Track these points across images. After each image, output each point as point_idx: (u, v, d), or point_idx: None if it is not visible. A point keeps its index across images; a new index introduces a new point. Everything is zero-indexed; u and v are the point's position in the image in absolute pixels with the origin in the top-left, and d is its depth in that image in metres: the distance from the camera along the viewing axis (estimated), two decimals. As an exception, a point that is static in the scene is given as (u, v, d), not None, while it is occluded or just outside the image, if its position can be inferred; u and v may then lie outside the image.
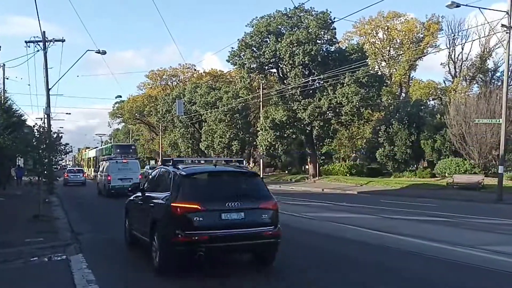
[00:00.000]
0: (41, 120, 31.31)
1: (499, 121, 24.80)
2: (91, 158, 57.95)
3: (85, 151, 77.54)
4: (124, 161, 25.97)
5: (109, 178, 23.93)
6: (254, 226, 7.36)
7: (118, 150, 43.93)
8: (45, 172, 14.93)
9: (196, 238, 6.94)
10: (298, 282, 7.14)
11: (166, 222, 7.31)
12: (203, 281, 7.08)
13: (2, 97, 29.88)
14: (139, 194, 9.34)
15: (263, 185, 8.07)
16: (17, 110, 31.29)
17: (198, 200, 7.11)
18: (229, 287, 6.97)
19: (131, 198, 10.19)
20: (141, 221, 8.77)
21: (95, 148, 62.79)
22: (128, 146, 50.02)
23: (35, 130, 15.63)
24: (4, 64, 33.62)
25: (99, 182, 26.51)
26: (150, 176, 9.92)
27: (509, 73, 25.78)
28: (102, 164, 27.75)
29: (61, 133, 16.61)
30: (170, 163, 8.44)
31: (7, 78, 34.95)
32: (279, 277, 7.49)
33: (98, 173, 28.18)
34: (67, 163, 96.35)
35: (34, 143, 14.33)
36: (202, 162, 10.66)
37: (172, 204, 7.19)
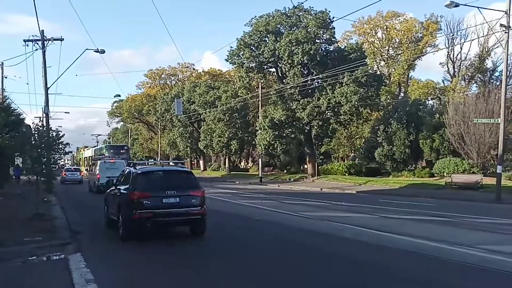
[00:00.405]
0: (40, 119, 31.27)
1: (498, 120, 24.82)
2: (88, 158, 58.87)
3: (83, 150, 78.19)
4: (111, 161, 28.63)
5: (98, 176, 26.37)
6: (186, 207, 10.56)
7: (112, 151, 46.07)
8: (44, 171, 14.91)
9: (146, 215, 10.22)
10: (292, 279, 7.15)
11: (127, 205, 10.65)
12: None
13: (1, 96, 29.86)
14: (113, 187, 12.56)
15: (194, 179, 11.51)
16: (16, 109, 31.23)
17: (147, 190, 10.52)
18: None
19: (108, 191, 13.36)
20: (113, 206, 12.12)
21: (93, 147, 64.36)
22: (121, 147, 51.90)
23: (33, 129, 15.58)
24: (2, 63, 33.63)
25: (90, 180, 28.95)
26: (120, 174, 13.06)
27: (508, 72, 25.85)
28: (93, 164, 30.55)
29: (60, 131, 16.51)
30: (131, 165, 12.28)
31: (6, 77, 34.94)
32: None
33: (89, 171, 30.99)
34: (66, 162, 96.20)
35: (33, 142, 14.27)
36: (157, 163, 15.52)
37: (130, 192, 10.59)
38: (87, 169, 45.36)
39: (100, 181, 25.36)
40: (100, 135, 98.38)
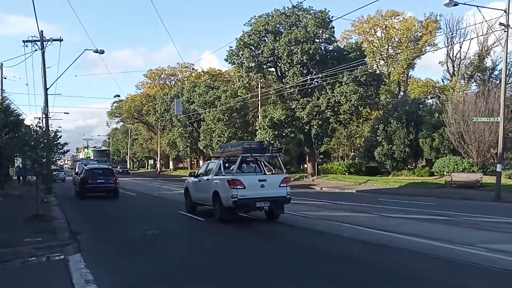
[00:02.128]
0: (39, 119, 31.23)
1: (497, 119, 24.81)
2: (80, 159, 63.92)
3: (83, 150, 79.72)
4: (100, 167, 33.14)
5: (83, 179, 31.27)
6: (107, 184, 24.22)
7: (96, 154, 57.19)
8: (44, 171, 14.88)
9: (88, 187, 23.79)
10: (288, 279, 7.13)
11: (80, 184, 24.73)
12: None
13: (0, 97, 29.82)
14: (76, 176, 28.03)
15: (112, 172, 26.49)
16: (15, 110, 31.17)
17: (90, 177, 24.10)
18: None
19: (75, 176, 28.90)
20: (77, 184, 26.40)
21: (91, 149, 69.64)
22: (103, 151, 64.68)
23: (32, 130, 15.55)
24: (1, 64, 33.59)
25: (73, 178, 33.38)
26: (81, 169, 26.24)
27: (507, 71, 25.80)
28: (73, 165, 41.38)
29: (59, 131, 16.47)
30: (85, 165, 27.16)
31: (5, 78, 34.90)
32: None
33: (73, 172, 36.57)
34: (66, 163, 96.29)
35: (32, 143, 14.24)
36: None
37: (81, 178, 24.75)
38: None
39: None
40: (91, 139, 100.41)
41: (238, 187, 13.07)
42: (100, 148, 70.91)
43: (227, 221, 13.39)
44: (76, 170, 31.49)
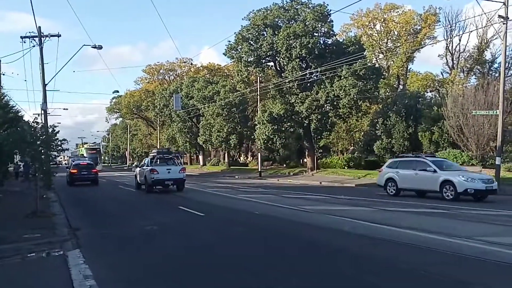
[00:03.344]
0: (38, 115, 31.22)
1: (496, 112, 24.81)
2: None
3: (81, 147, 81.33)
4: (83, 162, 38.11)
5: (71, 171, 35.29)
6: (89, 175, 32.49)
7: (88, 151, 66.01)
8: (43, 168, 14.88)
9: (74, 177, 31.85)
10: (290, 272, 7.16)
11: (69, 175, 32.80)
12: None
13: (-1, 93, 29.74)
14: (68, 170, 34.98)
15: (93, 165, 34.84)
16: (14, 106, 31.13)
17: (76, 170, 32.36)
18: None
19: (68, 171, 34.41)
20: (67, 176, 33.19)
21: (84, 147, 77.27)
22: (94, 148, 72.42)
23: (30, 126, 15.52)
24: (0, 60, 33.44)
25: (67, 174, 35.51)
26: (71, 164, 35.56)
27: (506, 64, 25.75)
28: (69, 162, 45.82)
29: (56, 126, 16.39)
30: (73, 161, 37.52)
31: (3, 74, 34.85)
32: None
33: (66, 168, 40.14)
34: (65, 159, 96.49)
35: (30, 140, 14.21)
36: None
37: (69, 171, 32.99)
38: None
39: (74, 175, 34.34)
40: (84, 137, 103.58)
41: (155, 173, 23.91)
42: (91, 146, 77.69)
43: (150, 191, 24.38)
44: (68, 165, 39.24)
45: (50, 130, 16.26)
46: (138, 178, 26.76)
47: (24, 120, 29.74)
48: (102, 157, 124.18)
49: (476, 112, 29.47)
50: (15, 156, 26.89)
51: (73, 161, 36.78)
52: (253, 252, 9.02)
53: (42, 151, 14.51)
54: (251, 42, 42.03)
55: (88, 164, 34.28)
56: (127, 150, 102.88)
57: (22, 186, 24.53)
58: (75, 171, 31.96)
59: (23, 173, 32.73)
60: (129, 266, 7.98)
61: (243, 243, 10.13)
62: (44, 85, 27.71)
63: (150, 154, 27.89)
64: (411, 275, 7.05)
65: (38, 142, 14.37)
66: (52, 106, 62.18)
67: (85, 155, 60.09)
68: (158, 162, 25.37)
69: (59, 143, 15.56)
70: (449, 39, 52.07)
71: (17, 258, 8.49)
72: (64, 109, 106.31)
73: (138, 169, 27.91)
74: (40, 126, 15.87)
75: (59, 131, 16.06)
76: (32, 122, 15.72)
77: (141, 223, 12.83)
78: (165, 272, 7.46)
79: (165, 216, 14.67)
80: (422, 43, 54.06)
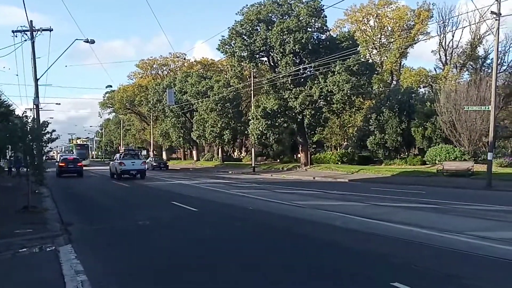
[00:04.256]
0: (30, 110, 31.02)
1: (489, 108, 24.95)
2: None
3: (75, 142, 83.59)
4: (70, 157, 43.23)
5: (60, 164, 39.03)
6: (75, 168, 36.77)
7: (77, 148, 74.00)
8: (35, 163, 14.78)
9: (62, 169, 36.08)
10: (277, 269, 7.18)
11: (57, 168, 37.26)
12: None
13: (-10, 88, 29.48)
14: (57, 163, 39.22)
15: (80, 160, 39.18)
16: (5, 101, 30.86)
17: (64, 163, 36.91)
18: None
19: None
20: (56, 169, 37.28)
21: (74, 143, 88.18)
22: (82, 145, 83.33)
23: (21, 120, 15.38)
24: (-9, 54, 33.13)
25: (56, 167, 39.53)
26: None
27: (499, 60, 25.85)
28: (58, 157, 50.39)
29: (47, 122, 16.27)
30: (61, 156, 44.00)
31: (-5, 68, 34.57)
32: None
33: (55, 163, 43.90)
34: (58, 153, 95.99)
35: (21, 135, 14.10)
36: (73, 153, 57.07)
37: (58, 164, 37.63)
38: None
39: (62, 168, 38.86)
40: (74, 134, 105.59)
41: (122, 165, 32.28)
42: (79, 143, 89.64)
43: (120, 178, 31.48)
44: (58, 159, 44.09)
45: (41, 124, 16.13)
46: (111, 169, 35.35)
47: (15, 114, 29.53)
48: (94, 152, 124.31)
49: (468, 108, 29.65)
50: (7, 152, 26.72)
51: (62, 156, 43.19)
52: (246, 246, 9.05)
53: (34, 145, 14.39)
54: (245, 37, 41.93)
55: (74, 158, 39.28)
56: (120, 145, 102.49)
57: (14, 181, 24.37)
58: (63, 164, 36.69)
59: (11, 168, 32.57)
60: (121, 261, 7.97)
61: (236, 237, 10.15)
62: (36, 80, 27.45)
63: (120, 151, 38.24)
64: (403, 268, 7.09)
65: (29, 137, 14.25)
66: (45, 100, 62.28)
67: (73, 151, 67.76)
68: (125, 157, 34.00)
69: (49, 136, 15.42)
70: (442, 35, 52.20)
71: (9, 254, 8.45)
72: (57, 103, 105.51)
73: (111, 162, 37.30)
74: (30, 119, 15.73)
75: (49, 123, 15.93)
76: (22, 116, 15.57)
77: (133, 218, 12.80)
78: (157, 266, 7.45)
79: (158, 211, 14.65)
80: (416, 38, 54.15)
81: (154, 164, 53.34)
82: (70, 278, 6.59)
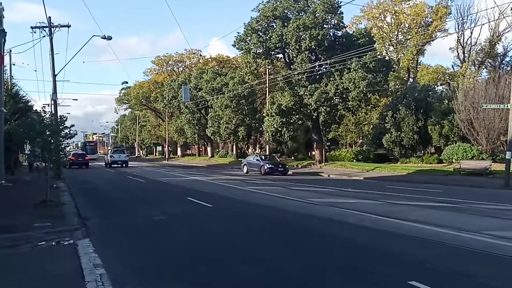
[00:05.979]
0: (48, 106, 31.47)
1: (507, 106, 24.57)
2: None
3: (91, 137, 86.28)
4: (79, 152, 53.62)
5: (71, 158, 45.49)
6: (83, 160, 46.50)
7: (88, 144, 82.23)
8: (53, 157, 14.99)
9: (72, 162, 43.63)
10: (294, 268, 7.20)
11: (68, 161, 34.04)
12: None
13: (9, 83, 30.03)
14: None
15: (85, 154, 50.53)
16: (24, 96, 31.46)
17: (74, 157, 45.46)
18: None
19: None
20: (68, 160, 35.73)
21: (85, 140, 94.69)
22: (91, 142, 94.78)
23: (39, 115, 15.60)
24: (10, 50, 33.69)
25: (67, 160, 42.25)
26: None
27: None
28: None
29: (64, 116, 16.49)
30: (73, 151, 52.92)
31: (14, 64, 35.27)
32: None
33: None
34: (74, 148, 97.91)
35: (39, 129, 14.32)
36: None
37: (70, 158, 40.98)
38: None
39: (73, 162, 46.19)
40: (90, 131, 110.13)
41: (112, 157, 48.89)
42: (91, 140, 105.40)
43: (110, 167, 46.87)
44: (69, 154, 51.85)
45: (59, 118, 16.35)
46: (105, 160, 51.70)
47: (34, 110, 30.00)
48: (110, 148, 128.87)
49: (487, 106, 29.22)
50: (25, 146, 27.19)
51: (72, 151, 52.13)
52: (260, 242, 9.10)
53: (52, 140, 14.60)
54: (260, 34, 41.88)
55: (82, 153, 50.72)
56: (135, 141, 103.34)
57: (32, 175, 24.77)
58: (74, 158, 45.61)
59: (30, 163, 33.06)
60: (138, 255, 8.09)
61: (250, 233, 10.20)
62: (54, 76, 27.87)
63: (112, 148, 58.70)
64: (419, 267, 7.07)
65: (47, 132, 14.46)
66: (62, 96, 63.35)
67: (85, 147, 78.60)
68: (114, 152, 51.28)
69: (68, 131, 15.63)
70: (460, 32, 51.53)
71: (28, 247, 8.61)
72: (74, 99, 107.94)
73: (105, 155, 56.04)
74: (48, 114, 15.94)
75: (67, 118, 16.14)
76: (41, 111, 15.81)
77: (149, 213, 12.94)
78: (174, 260, 7.54)
79: (173, 207, 14.76)
80: (433, 35, 53.54)
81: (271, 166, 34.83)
82: (89, 271, 6.70)
